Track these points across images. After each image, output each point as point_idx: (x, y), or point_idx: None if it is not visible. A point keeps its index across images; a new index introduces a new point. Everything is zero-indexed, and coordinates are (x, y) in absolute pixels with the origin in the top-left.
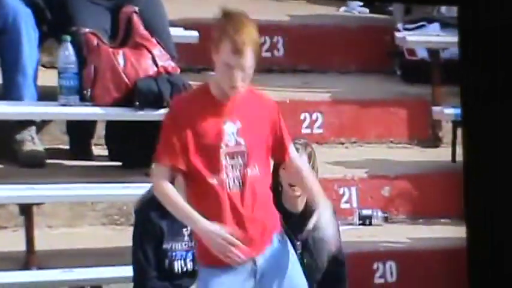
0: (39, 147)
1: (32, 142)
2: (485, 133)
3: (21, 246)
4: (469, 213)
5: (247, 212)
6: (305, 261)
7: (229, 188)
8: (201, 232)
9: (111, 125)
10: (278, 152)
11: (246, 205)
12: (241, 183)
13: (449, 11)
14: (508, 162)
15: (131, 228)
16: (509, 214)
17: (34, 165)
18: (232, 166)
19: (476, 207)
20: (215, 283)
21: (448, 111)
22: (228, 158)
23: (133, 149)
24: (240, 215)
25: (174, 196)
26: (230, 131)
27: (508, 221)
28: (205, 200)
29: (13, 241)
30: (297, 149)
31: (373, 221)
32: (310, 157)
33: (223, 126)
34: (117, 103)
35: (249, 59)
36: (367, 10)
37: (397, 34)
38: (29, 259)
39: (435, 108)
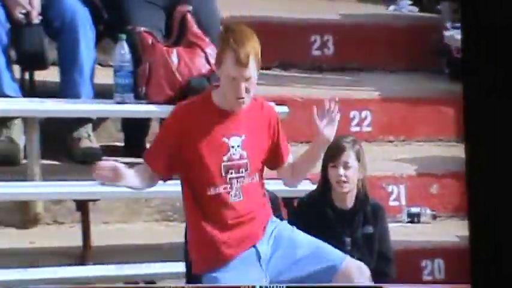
0: (95, 145)
1: (88, 139)
2: (488, 129)
3: (78, 242)
4: (472, 210)
5: (247, 216)
6: (354, 257)
7: (231, 199)
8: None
9: None
10: (274, 159)
11: (246, 211)
12: (242, 195)
13: None
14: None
15: (184, 225)
16: None
17: (90, 162)
18: (235, 179)
19: (479, 203)
20: (225, 281)
21: None
22: (230, 171)
23: None
24: (240, 220)
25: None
26: (236, 144)
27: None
28: (206, 210)
29: (70, 237)
30: (345, 147)
31: (422, 219)
32: (359, 154)
33: (229, 140)
34: (170, 101)
35: (252, 70)
36: (417, 9)
37: (446, 33)
38: (85, 254)
39: None
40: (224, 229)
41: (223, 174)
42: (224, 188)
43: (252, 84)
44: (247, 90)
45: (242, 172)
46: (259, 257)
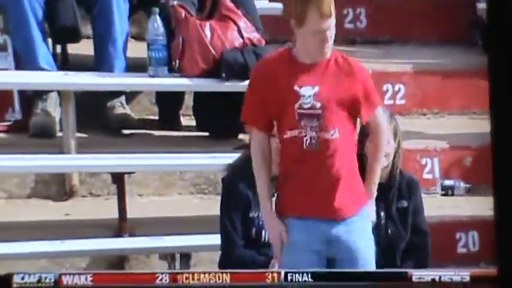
0: (129, 111)
1: (122, 107)
2: None
3: (114, 214)
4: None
5: (324, 173)
6: (389, 231)
7: (306, 145)
8: (265, 218)
9: (198, 96)
10: (362, 113)
11: (323, 166)
12: (317, 144)
13: None
14: None
15: (219, 197)
16: None
17: (124, 128)
18: (309, 127)
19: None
20: (304, 231)
21: None
22: (304, 118)
23: (220, 120)
24: (316, 175)
25: (258, 167)
26: (307, 94)
27: None
28: (285, 157)
29: (106, 209)
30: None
31: (455, 192)
32: (395, 130)
33: (300, 89)
34: (204, 74)
35: (334, 19)
36: None
37: (479, 4)
38: (121, 226)
39: None
40: (299, 178)
41: (297, 120)
42: (299, 133)
43: (333, 31)
44: (330, 38)
45: (315, 121)
46: (326, 238)
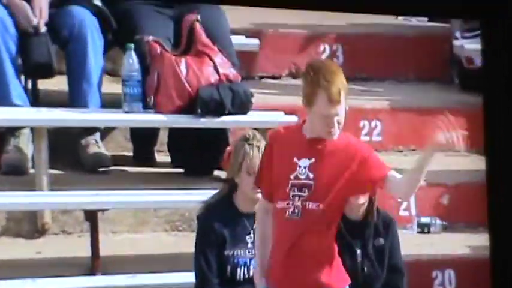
0: (104, 150)
1: (96, 145)
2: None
3: (87, 252)
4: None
5: (305, 245)
6: (365, 269)
7: (288, 214)
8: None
9: (173, 132)
10: (362, 185)
11: (302, 233)
12: (300, 213)
13: None
14: None
15: (193, 235)
16: None
17: (99, 167)
18: (296, 196)
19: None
20: None
21: None
22: (295, 189)
23: (195, 156)
24: (294, 244)
25: (256, 242)
26: (303, 165)
27: None
28: (273, 228)
29: (78, 247)
30: None
31: (432, 229)
32: None
33: (299, 161)
34: (179, 110)
35: (343, 106)
36: (426, 18)
37: (455, 42)
38: (93, 264)
39: None
40: (281, 248)
41: (288, 190)
42: (287, 204)
43: (342, 118)
44: (338, 123)
45: (304, 192)
46: None
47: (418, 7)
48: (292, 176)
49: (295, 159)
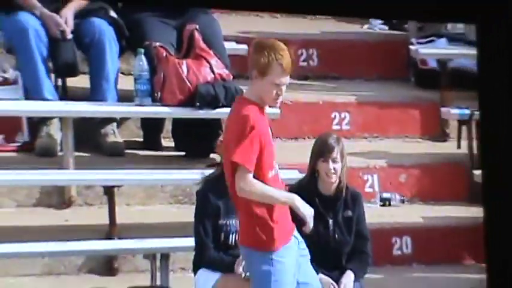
0: (119, 139)
1: (113, 135)
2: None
3: (105, 220)
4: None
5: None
6: (336, 236)
7: (279, 179)
8: (301, 204)
9: (176, 121)
10: None
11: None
12: (279, 178)
13: (454, 28)
14: None
15: (193, 207)
16: None
17: (115, 154)
18: (276, 163)
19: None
20: (289, 257)
21: (454, 112)
22: (275, 158)
23: (194, 142)
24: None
25: (268, 189)
26: (270, 134)
27: None
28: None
29: (99, 216)
30: (334, 146)
31: (392, 203)
32: (342, 150)
33: (269, 132)
34: (181, 104)
35: (288, 78)
36: (387, 27)
37: (412, 47)
38: (111, 230)
39: (443, 109)
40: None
41: (273, 160)
42: (275, 171)
43: (285, 87)
44: (282, 93)
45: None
46: (298, 243)
47: (413, 12)
48: (272, 147)
49: (269, 131)
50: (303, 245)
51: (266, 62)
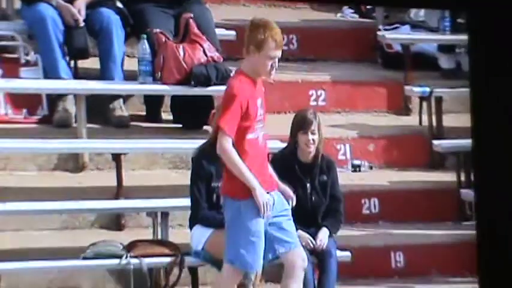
0: (125, 113)
1: (120, 109)
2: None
3: (114, 183)
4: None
5: (266, 159)
6: (313, 198)
7: (260, 142)
8: (257, 193)
9: (174, 98)
10: None
11: (266, 154)
12: (262, 141)
13: (416, 16)
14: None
15: (189, 172)
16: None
17: (122, 126)
18: (259, 128)
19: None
20: (255, 209)
21: (416, 89)
22: (258, 123)
23: (190, 115)
24: (265, 161)
25: (239, 161)
26: (259, 104)
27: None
28: (247, 152)
29: (108, 179)
30: (312, 120)
31: (362, 169)
32: (319, 123)
33: (258, 102)
34: (178, 83)
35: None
36: (357, 16)
37: (379, 33)
38: (118, 191)
39: (406, 87)
40: (259, 166)
41: (255, 124)
42: (256, 135)
43: (277, 61)
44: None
45: (261, 123)
46: (272, 203)
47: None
48: (258, 114)
49: (257, 101)
50: (283, 207)
51: (262, 38)
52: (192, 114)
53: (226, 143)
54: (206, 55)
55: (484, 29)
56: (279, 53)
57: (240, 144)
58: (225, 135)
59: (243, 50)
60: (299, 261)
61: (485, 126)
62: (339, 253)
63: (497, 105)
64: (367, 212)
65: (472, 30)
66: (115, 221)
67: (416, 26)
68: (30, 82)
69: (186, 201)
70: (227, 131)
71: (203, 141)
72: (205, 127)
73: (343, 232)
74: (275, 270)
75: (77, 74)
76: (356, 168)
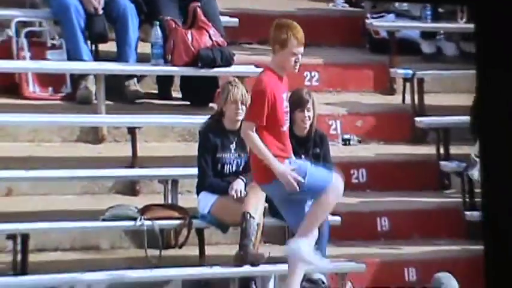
0: (139, 89)
1: (134, 85)
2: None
3: (129, 153)
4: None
5: (288, 143)
6: None
7: (284, 132)
8: (279, 172)
9: (183, 78)
10: None
11: (287, 141)
12: (288, 128)
13: (400, 6)
14: None
15: (197, 144)
16: None
17: (136, 99)
18: (287, 121)
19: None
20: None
21: (400, 72)
22: (286, 115)
23: (197, 93)
24: (288, 143)
25: (262, 146)
26: (285, 97)
27: None
28: (278, 140)
29: (124, 150)
30: (307, 98)
31: (351, 143)
32: (313, 101)
33: (284, 95)
34: (187, 64)
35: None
36: (347, 5)
37: (367, 21)
38: (133, 161)
39: (392, 70)
40: (287, 152)
41: (284, 117)
42: (287, 127)
43: (301, 56)
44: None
45: (287, 116)
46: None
47: None
48: (284, 105)
49: (283, 94)
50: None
51: (285, 37)
52: (199, 93)
53: (249, 129)
54: (212, 40)
55: (490, 22)
56: (301, 49)
57: (275, 136)
58: (249, 121)
59: (271, 48)
60: (333, 194)
61: (490, 123)
62: (329, 218)
63: (503, 101)
64: (356, 181)
65: (479, 22)
66: (130, 187)
67: (400, 14)
68: (56, 63)
69: (194, 170)
70: (252, 120)
71: (209, 116)
72: (210, 104)
73: None
74: (274, 231)
75: (97, 56)
76: (346, 141)
